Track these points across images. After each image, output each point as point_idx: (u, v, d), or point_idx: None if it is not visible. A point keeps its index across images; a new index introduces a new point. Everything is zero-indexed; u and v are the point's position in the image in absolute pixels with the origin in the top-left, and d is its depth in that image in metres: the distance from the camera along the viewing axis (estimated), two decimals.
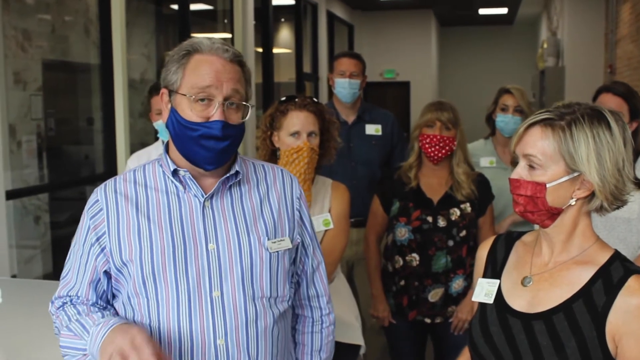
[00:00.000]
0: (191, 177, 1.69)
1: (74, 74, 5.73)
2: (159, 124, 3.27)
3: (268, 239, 1.72)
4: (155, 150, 3.45)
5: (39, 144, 4.92)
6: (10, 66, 4.55)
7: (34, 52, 4.93)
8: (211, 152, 1.63)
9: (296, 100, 2.63)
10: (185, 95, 1.63)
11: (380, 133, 3.95)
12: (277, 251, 1.73)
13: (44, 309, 2.55)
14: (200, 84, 1.62)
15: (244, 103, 1.67)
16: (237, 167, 1.73)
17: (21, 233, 4.71)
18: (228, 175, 1.71)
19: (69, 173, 5.66)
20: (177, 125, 1.66)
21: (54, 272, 4.90)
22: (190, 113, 1.63)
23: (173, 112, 1.67)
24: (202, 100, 1.62)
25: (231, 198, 1.73)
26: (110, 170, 4.88)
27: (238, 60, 1.68)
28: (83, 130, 5.79)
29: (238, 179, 1.74)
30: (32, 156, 4.84)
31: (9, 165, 4.23)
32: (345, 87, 3.86)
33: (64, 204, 5.39)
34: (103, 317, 1.62)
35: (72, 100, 5.75)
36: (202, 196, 1.68)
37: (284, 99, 2.68)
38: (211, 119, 1.62)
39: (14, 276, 3.91)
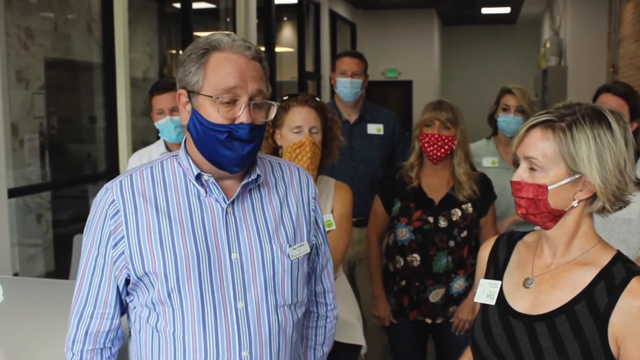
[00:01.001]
0: (214, 181, 1.63)
1: (76, 73, 5.73)
2: (161, 123, 3.27)
3: (289, 246, 1.69)
4: (156, 149, 3.45)
5: (41, 142, 4.92)
6: (12, 65, 4.56)
7: (36, 51, 4.93)
8: (238, 154, 1.58)
9: (298, 96, 2.64)
10: (210, 96, 1.56)
11: (382, 132, 3.94)
12: (298, 257, 1.70)
13: (45, 307, 2.57)
14: (224, 84, 1.55)
15: (267, 102, 1.62)
16: (258, 171, 1.68)
17: (23, 231, 4.71)
18: (249, 179, 1.66)
19: (71, 171, 5.67)
20: (201, 127, 1.58)
21: (56, 270, 4.91)
22: (216, 115, 1.56)
23: (195, 114, 1.59)
24: (228, 100, 1.56)
25: (252, 203, 1.68)
26: (113, 168, 4.89)
27: (259, 58, 1.62)
28: (85, 128, 5.79)
29: (258, 182, 1.69)
30: (35, 154, 4.85)
31: (11, 163, 4.24)
32: (346, 87, 3.86)
33: (66, 202, 5.39)
34: None
35: (74, 98, 5.76)
36: (225, 202, 1.63)
37: (285, 96, 2.68)
38: (237, 121, 1.56)
39: (16, 274, 3.92)
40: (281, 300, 1.67)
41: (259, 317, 1.63)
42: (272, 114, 1.64)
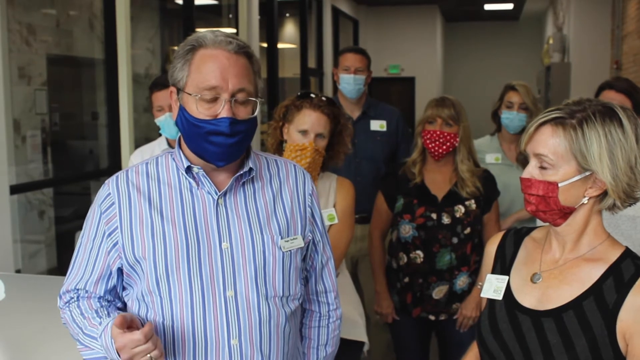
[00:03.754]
0: (205, 174, 1.67)
1: (78, 69, 5.73)
2: (161, 120, 3.26)
3: (281, 238, 1.71)
4: (158, 145, 3.44)
5: (43, 138, 4.92)
6: (14, 61, 4.55)
7: (38, 47, 4.92)
8: (221, 148, 1.61)
9: (313, 98, 2.62)
10: (191, 94, 1.61)
11: (385, 129, 3.93)
12: (290, 250, 1.72)
13: (47, 304, 2.56)
14: (205, 83, 1.59)
15: (249, 99, 1.64)
16: (250, 164, 1.71)
17: (25, 228, 4.71)
18: (241, 172, 1.69)
19: (73, 168, 5.67)
20: (186, 123, 1.63)
21: (59, 267, 4.92)
22: (197, 111, 1.60)
23: (182, 110, 1.65)
24: (209, 98, 1.60)
25: (244, 195, 1.71)
26: (115, 165, 4.88)
27: (244, 52, 1.64)
28: (87, 125, 5.79)
29: (251, 175, 1.72)
30: (37, 151, 4.84)
31: (13, 160, 4.24)
32: (349, 83, 3.84)
33: (68, 199, 5.40)
34: (100, 323, 1.63)
35: (76, 95, 5.75)
36: (216, 193, 1.67)
37: (300, 93, 2.66)
38: (219, 116, 1.60)
39: (18, 271, 3.92)
40: (272, 291, 1.68)
41: (248, 306, 1.65)
42: (257, 109, 1.66)
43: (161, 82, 3.24)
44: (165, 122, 3.23)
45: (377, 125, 3.92)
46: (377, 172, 3.82)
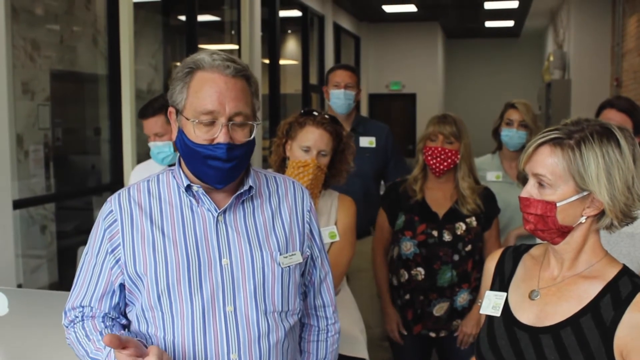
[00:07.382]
0: (204, 192, 1.69)
1: (81, 84, 5.75)
2: (150, 146, 3.26)
3: (280, 254, 1.73)
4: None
5: (46, 153, 4.94)
6: (18, 76, 4.58)
7: (42, 62, 4.96)
8: (219, 172, 1.63)
9: (315, 116, 2.64)
10: (189, 119, 1.63)
11: (374, 146, 3.92)
12: (289, 266, 1.74)
13: (49, 319, 2.57)
14: (203, 108, 1.60)
15: (246, 122, 1.65)
16: (250, 182, 1.73)
17: (27, 242, 4.72)
18: (241, 191, 1.71)
19: (75, 183, 5.67)
20: (184, 146, 1.66)
21: (60, 282, 4.91)
22: (195, 135, 1.62)
23: (180, 132, 1.67)
24: (206, 122, 1.61)
25: (244, 212, 1.73)
26: (117, 180, 4.90)
27: (242, 75, 1.65)
28: (90, 140, 5.81)
29: (251, 194, 1.74)
30: (39, 166, 4.86)
31: (16, 174, 4.25)
32: (340, 98, 3.85)
33: (70, 214, 5.40)
34: (104, 347, 1.63)
35: (79, 110, 5.78)
36: (216, 211, 1.69)
37: (304, 111, 2.68)
38: (215, 141, 1.61)
39: (19, 286, 3.92)
40: (271, 306, 1.70)
41: (247, 321, 1.67)
42: (254, 132, 1.67)
43: (145, 113, 3.19)
44: (152, 151, 3.24)
45: (367, 142, 3.91)
46: (366, 189, 3.79)
